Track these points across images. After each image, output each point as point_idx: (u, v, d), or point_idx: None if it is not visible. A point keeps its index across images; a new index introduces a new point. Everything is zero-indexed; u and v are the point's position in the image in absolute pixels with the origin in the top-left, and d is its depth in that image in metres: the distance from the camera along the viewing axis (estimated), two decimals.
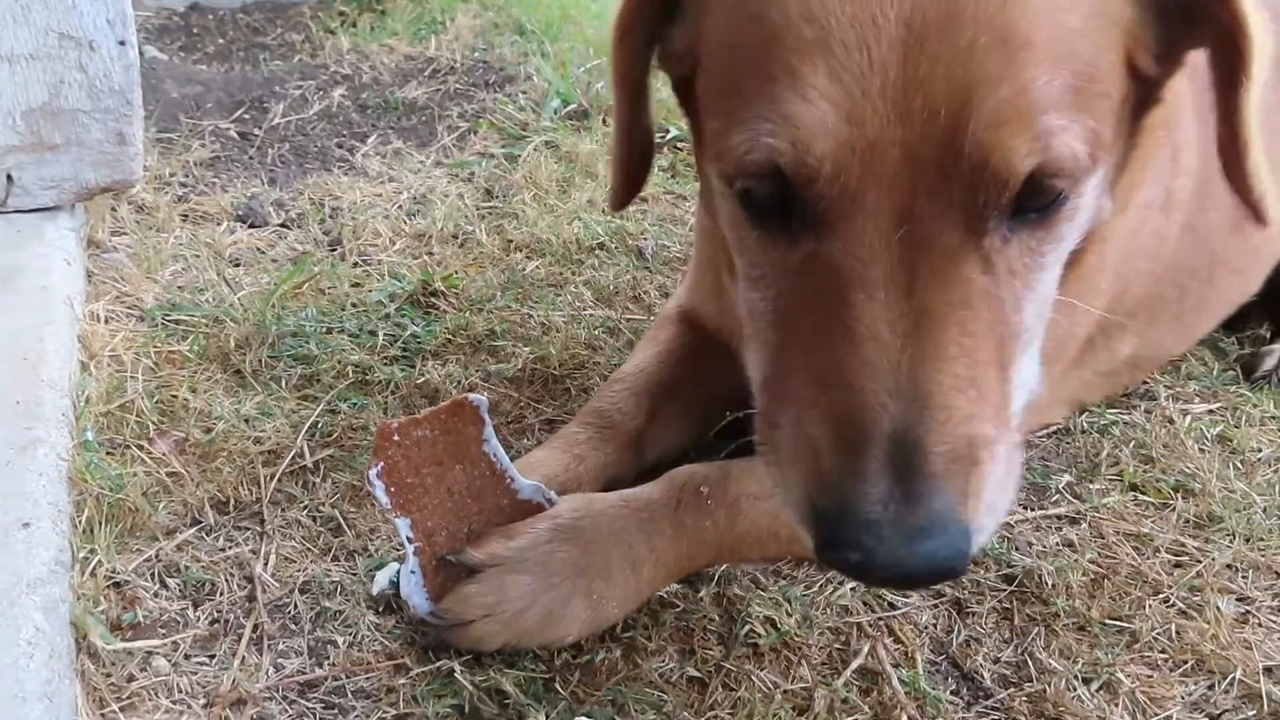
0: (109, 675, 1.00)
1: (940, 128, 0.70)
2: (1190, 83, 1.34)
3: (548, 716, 1.01)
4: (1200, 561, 1.26)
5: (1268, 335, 1.74)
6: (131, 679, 1.00)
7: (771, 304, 0.84)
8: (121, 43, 1.59)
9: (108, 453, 1.27)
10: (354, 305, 1.64)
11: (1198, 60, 0.90)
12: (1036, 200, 0.75)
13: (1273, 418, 1.54)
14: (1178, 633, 1.16)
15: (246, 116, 2.49)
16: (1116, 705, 1.08)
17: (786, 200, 0.78)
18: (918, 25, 0.71)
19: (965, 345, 0.72)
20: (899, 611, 1.18)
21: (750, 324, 0.90)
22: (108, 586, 1.09)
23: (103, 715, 0.96)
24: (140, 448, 1.28)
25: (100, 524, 1.14)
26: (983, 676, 1.11)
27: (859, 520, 0.69)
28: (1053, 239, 0.80)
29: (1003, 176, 0.71)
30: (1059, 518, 1.33)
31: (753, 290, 0.87)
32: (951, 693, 1.10)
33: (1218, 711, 1.08)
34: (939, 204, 0.72)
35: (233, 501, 1.25)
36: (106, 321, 1.53)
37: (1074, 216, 0.80)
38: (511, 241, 1.87)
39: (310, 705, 1.02)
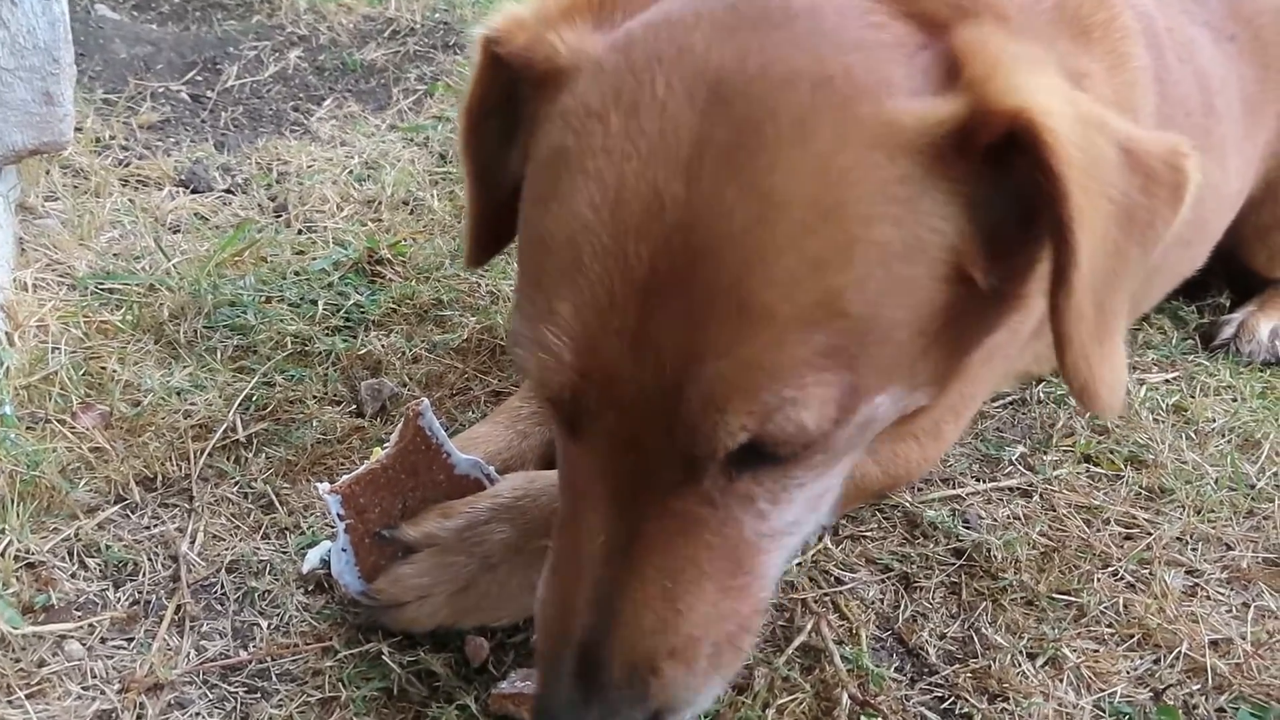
0: (18, 661, 0.96)
1: (665, 382, 0.72)
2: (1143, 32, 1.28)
3: (478, 699, 0.98)
4: (1150, 534, 1.24)
5: (1227, 304, 1.72)
6: (42, 664, 0.96)
7: (563, 466, 0.86)
8: None
9: (28, 428, 1.22)
10: (296, 273, 1.59)
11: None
12: (767, 453, 0.76)
13: (1228, 387, 1.53)
14: (1125, 606, 1.14)
15: (199, 78, 2.41)
16: (1061, 680, 1.06)
17: None
18: (661, 273, 0.70)
19: (668, 568, 0.78)
20: (845, 587, 1.16)
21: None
22: (20, 568, 1.05)
23: (8, 703, 0.92)
24: (63, 422, 1.23)
25: (13, 502, 1.10)
26: (928, 652, 1.09)
27: (547, 715, 0.80)
28: (798, 472, 0.81)
29: (711, 445, 0.73)
30: (1010, 490, 1.31)
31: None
32: (895, 669, 1.07)
33: (1162, 685, 1.06)
34: (662, 443, 0.74)
35: (160, 478, 1.20)
36: (34, 290, 1.47)
37: (826, 453, 0.80)
38: (464, 208, 1.81)
39: (232, 690, 0.98)
